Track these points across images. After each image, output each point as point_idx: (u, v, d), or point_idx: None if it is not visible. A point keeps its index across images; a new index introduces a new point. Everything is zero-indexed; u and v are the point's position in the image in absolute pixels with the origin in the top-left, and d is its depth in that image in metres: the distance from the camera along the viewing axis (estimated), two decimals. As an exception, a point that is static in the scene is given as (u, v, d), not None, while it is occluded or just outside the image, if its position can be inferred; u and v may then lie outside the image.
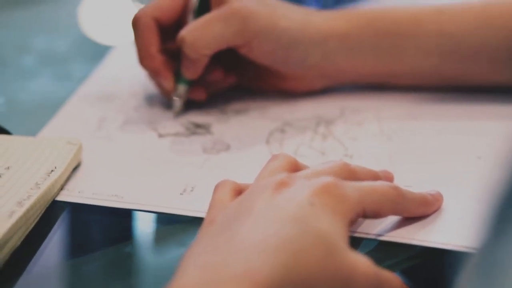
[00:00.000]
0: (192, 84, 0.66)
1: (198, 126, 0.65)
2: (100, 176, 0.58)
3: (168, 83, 0.65)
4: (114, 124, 0.65)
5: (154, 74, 0.65)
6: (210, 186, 0.52)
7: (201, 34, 0.62)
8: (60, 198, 0.55)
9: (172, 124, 0.65)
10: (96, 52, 0.83)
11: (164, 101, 0.68)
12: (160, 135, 0.64)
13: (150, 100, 0.69)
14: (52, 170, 0.55)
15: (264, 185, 0.46)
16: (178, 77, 0.65)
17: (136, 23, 0.65)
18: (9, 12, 0.95)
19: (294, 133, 0.64)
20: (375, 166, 0.58)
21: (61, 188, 0.56)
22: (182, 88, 0.65)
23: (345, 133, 0.64)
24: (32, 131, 0.64)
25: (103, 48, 0.81)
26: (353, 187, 0.46)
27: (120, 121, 0.66)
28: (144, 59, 0.65)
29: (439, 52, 0.66)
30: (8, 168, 0.56)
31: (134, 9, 0.97)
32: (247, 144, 0.62)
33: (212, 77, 0.67)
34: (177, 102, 0.66)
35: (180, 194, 0.56)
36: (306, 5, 0.90)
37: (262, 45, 0.63)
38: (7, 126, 0.62)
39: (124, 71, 0.74)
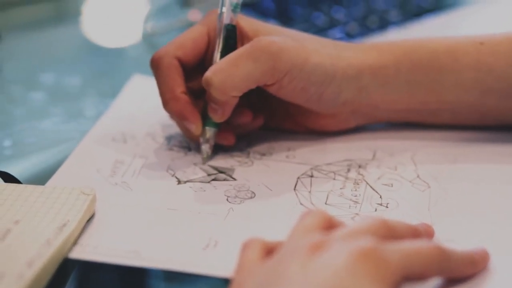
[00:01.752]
0: (220, 127, 0.63)
1: (219, 171, 0.63)
2: (115, 229, 0.56)
3: (196, 127, 0.62)
4: (130, 168, 0.63)
5: (180, 117, 0.62)
6: (235, 240, 0.50)
7: (228, 75, 0.59)
8: (73, 254, 0.53)
9: (192, 169, 0.63)
10: (110, 87, 0.81)
11: (182, 142, 0.66)
12: (179, 181, 0.62)
13: (167, 140, 0.67)
14: (64, 224, 0.53)
15: (297, 248, 0.44)
16: (204, 120, 0.62)
17: (158, 63, 0.62)
18: (15, 39, 0.93)
19: (324, 179, 0.62)
20: (412, 216, 0.57)
21: (74, 242, 0.54)
22: (210, 132, 0.63)
23: (379, 179, 0.62)
24: (42, 177, 0.62)
25: (117, 82, 0.79)
26: (394, 251, 0.44)
27: (136, 165, 0.64)
28: (168, 102, 0.62)
29: (478, 87, 0.63)
30: (17, 222, 0.53)
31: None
32: (274, 192, 0.60)
33: (240, 120, 0.64)
34: (206, 147, 0.63)
35: (203, 249, 0.54)
36: (329, 37, 0.88)
37: (292, 83, 0.61)
38: (14, 172, 0.61)
39: (139, 107, 0.72)
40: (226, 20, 0.62)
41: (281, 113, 0.67)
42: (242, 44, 0.62)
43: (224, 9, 0.62)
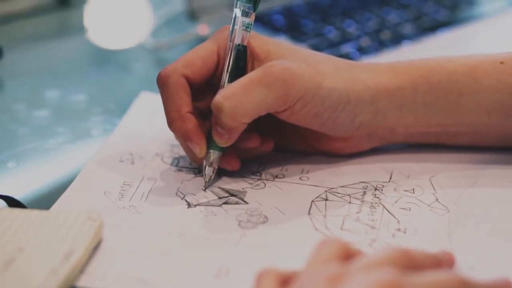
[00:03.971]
0: (225, 150, 0.62)
1: (231, 193, 0.62)
2: (123, 256, 0.55)
3: (200, 150, 0.61)
4: (138, 191, 0.62)
5: (184, 138, 0.61)
6: (248, 267, 0.49)
7: (240, 102, 0.58)
8: (80, 283, 0.52)
9: (202, 192, 0.62)
10: (116, 104, 0.80)
11: (192, 163, 0.65)
12: (189, 205, 0.61)
13: (176, 161, 0.66)
14: (71, 252, 0.52)
15: (315, 280, 0.43)
16: (209, 142, 0.61)
17: (165, 81, 0.61)
18: (17, 54, 0.93)
19: (339, 203, 0.61)
20: (432, 243, 0.56)
21: (81, 270, 0.53)
22: (214, 155, 0.61)
23: (396, 203, 0.61)
24: (47, 200, 0.61)
25: (123, 99, 0.78)
26: (416, 284, 0.43)
27: (144, 188, 0.63)
28: (174, 121, 0.61)
29: (499, 109, 0.63)
30: (21, 249, 0.52)
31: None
32: (287, 216, 0.59)
33: (247, 145, 0.63)
34: (209, 171, 0.62)
35: (214, 277, 0.53)
36: (342, 51, 0.87)
37: (305, 109, 0.60)
38: (18, 194, 0.60)
39: (147, 126, 0.71)
40: (237, 40, 0.61)
41: (292, 135, 0.66)
42: (252, 65, 0.61)
43: (236, 28, 0.61)
